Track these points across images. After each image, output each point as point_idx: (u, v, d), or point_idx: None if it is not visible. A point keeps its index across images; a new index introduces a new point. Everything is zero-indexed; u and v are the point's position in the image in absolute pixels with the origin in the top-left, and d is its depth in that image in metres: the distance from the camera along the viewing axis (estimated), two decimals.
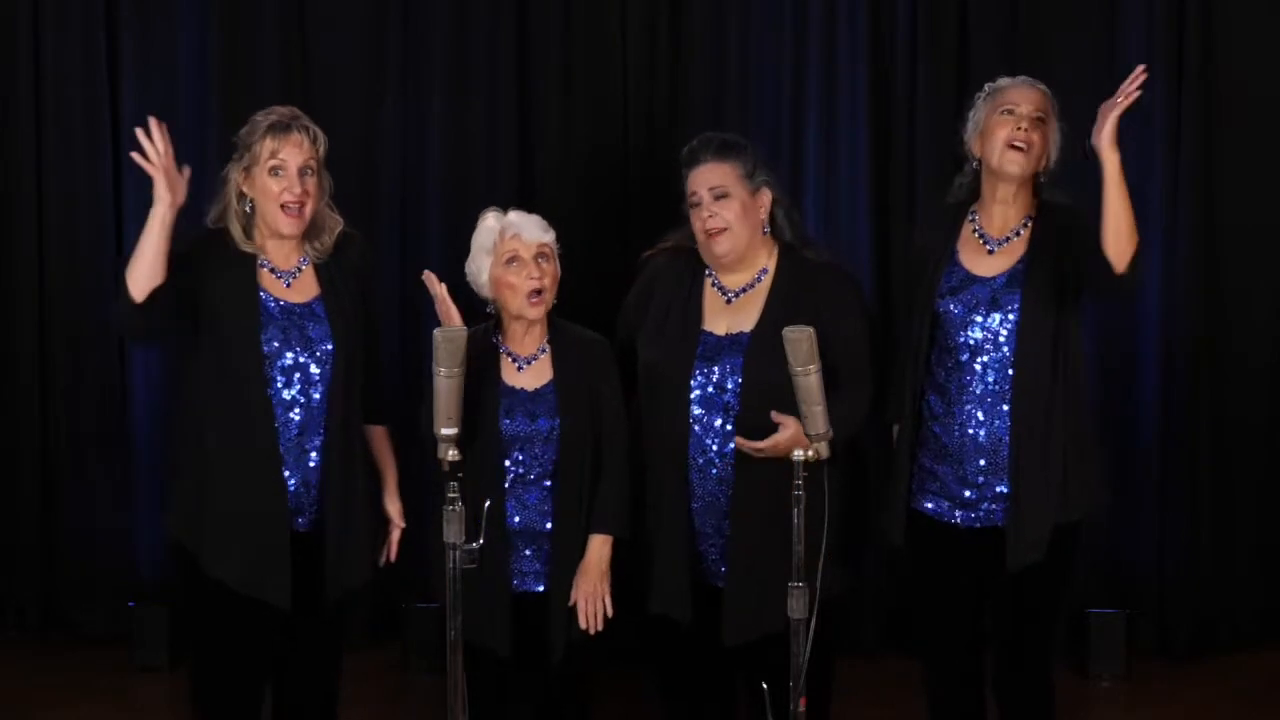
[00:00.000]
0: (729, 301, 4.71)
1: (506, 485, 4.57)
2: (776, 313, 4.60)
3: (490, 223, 4.66)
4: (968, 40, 6.29)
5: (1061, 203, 4.66)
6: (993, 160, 4.60)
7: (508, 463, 4.57)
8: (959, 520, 4.63)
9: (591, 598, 4.54)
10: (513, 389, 4.61)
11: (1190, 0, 6.22)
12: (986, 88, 4.70)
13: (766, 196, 4.69)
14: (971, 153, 4.66)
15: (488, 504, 4.51)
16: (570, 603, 4.54)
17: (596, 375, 4.63)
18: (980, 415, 4.57)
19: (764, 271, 4.70)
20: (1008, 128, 4.58)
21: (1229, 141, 6.31)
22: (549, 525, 4.58)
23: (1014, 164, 4.58)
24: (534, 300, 4.57)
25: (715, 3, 6.37)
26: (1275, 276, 6.38)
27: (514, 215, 4.66)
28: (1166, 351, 6.31)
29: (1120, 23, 6.27)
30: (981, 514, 4.61)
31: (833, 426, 4.26)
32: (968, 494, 4.61)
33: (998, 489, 4.58)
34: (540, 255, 4.60)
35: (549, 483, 4.59)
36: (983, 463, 4.59)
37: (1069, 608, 5.98)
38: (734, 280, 4.71)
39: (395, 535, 4.71)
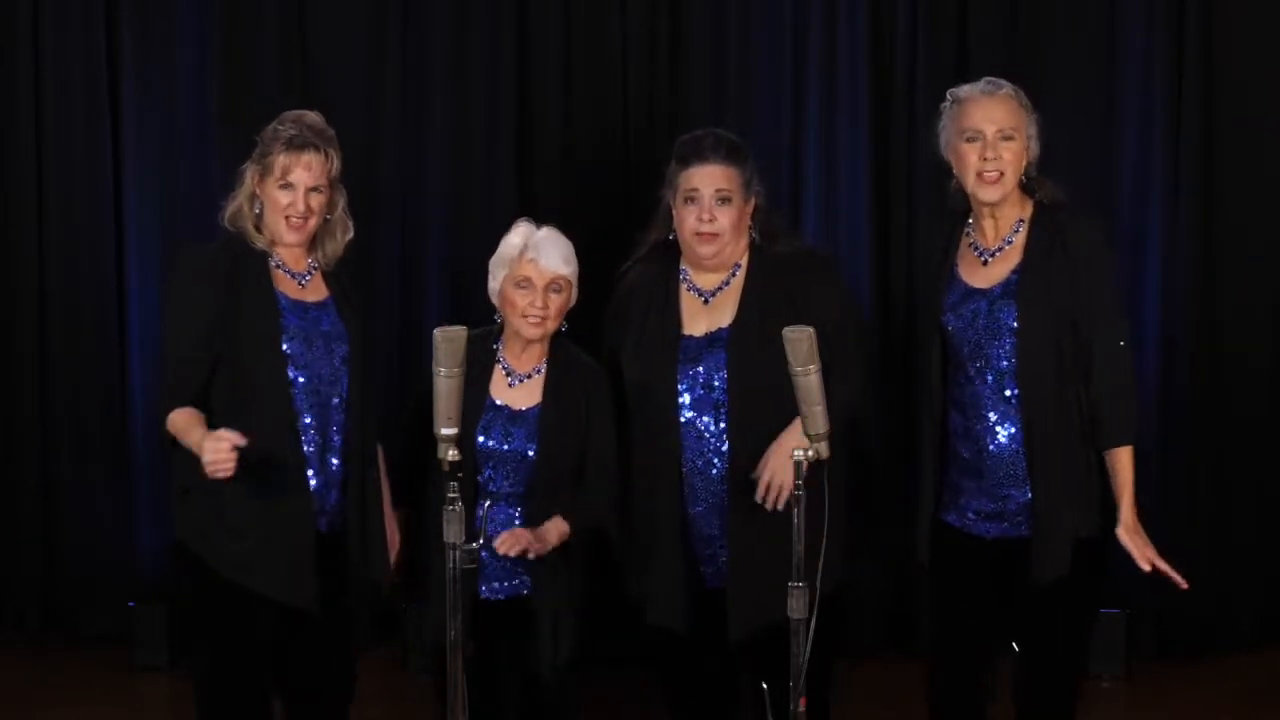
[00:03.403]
0: (705, 302, 4.71)
1: (480, 499, 4.54)
2: (753, 306, 4.62)
3: (516, 238, 4.60)
4: (968, 40, 6.29)
5: (1057, 200, 4.61)
6: (968, 188, 4.55)
7: (480, 477, 4.55)
8: (986, 533, 4.60)
9: (523, 538, 4.40)
10: (497, 404, 4.59)
11: (1190, 1, 6.22)
12: (949, 97, 4.60)
13: (753, 204, 4.69)
14: (951, 167, 4.61)
15: (487, 504, 4.51)
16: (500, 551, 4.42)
17: (590, 403, 4.59)
18: (997, 428, 4.52)
19: (737, 267, 4.70)
20: (975, 155, 4.50)
21: (1229, 141, 6.31)
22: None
23: (988, 194, 4.52)
24: (533, 323, 4.55)
25: (715, 2, 6.37)
26: (1275, 276, 6.38)
27: (543, 236, 4.59)
28: (1166, 352, 6.31)
29: (1120, 23, 6.27)
30: (1007, 526, 4.56)
31: (834, 413, 4.24)
32: (992, 506, 4.57)
33: (1021, 501, 4.54)
34: (552, 286, 4.55)
35: (521, 504, 4.56)
36: (1003, 475, 4.54)
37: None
38: (709, 281, 4.71)
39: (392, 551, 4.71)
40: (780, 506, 4.50)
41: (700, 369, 4.63)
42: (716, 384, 4.62)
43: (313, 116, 4.55)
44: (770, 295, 4.62)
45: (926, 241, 4.79)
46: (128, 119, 6.47)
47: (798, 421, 4.14)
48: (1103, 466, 4.53)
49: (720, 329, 4.65)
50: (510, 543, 4.38)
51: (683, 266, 4.74)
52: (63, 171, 6.50)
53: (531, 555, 4.43)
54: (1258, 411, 6.40)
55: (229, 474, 4.22)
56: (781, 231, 4.80)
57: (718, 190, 4.62)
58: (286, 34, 6.43)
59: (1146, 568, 4.53)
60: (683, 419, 4.63)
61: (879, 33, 6.32)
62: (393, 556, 4.70)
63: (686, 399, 4.64)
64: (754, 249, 4.70)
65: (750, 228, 4.69)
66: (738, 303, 4.66)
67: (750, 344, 4.56)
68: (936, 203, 4.93)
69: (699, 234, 4.63)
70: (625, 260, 4.92)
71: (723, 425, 4.61)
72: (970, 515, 4.60)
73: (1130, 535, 4.51)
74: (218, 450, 4.23)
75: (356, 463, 4.53)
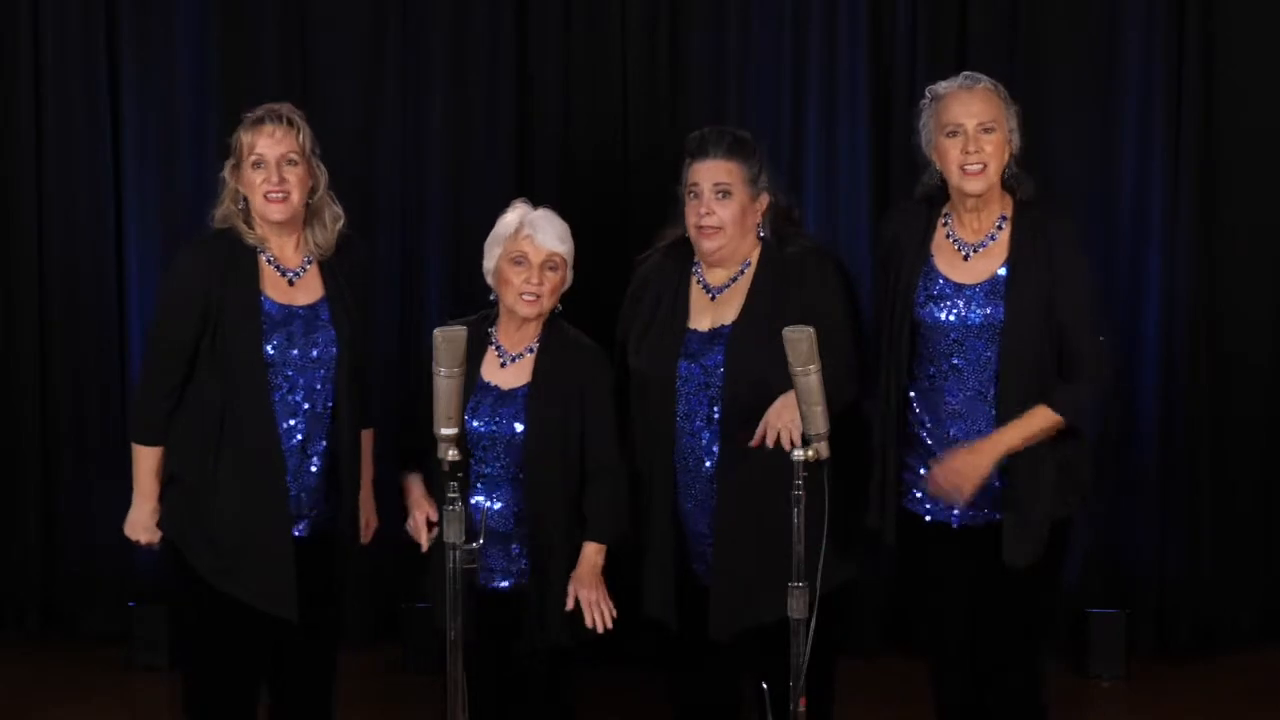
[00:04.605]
0: (713, 298, 4.70)
1: (473, 482, 4.54)
2: (757, 304, 4.61)
3: (512, 216, 4.63)
4: (968, 40, 6.28)
5: (1036, 199, 4.61)
6: (952, 182, 4.56)
7: (471, 460, 4.54)
8: (949, 519, 4.63)
9: (593, 604, 4.48)
10: (487, 385, 4.59)
11: (1190, 1, 6.22)
12: (928, 93, 4.62)
13: (765, 201, 4.68)
14: (932, 162, 4.61)
15: (487, 505, 4.50)
16: (569, 607, 4.50)
17: (585, 382, 4.59)
18: (966, 421, 4.56)
19: (746, 264, 4.70)
20: (957, 149, 4.51)
21: (1229, 141, 6.31)
22: (514, 527, 4.56)
23: (973, 186, 4.53)
24: (527, 300, 4.56)
25: (715, 2, 6.37)
26: (1275, 276, 6.38)
27: (538, 215, 4.61)
28: (1166, 351, 6.31)
29: (1120, 23, 6.26)
30: (974, 512, 4.61)
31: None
32: None
33: (986, 488, 4.57)
34: (548, 264, 4.56)
35: (516, 485, 4.56)
36: None
37: (1066, 607, 6.00)
38: (718, 276, 4.71)
39: (368, 536, 4.72)
40: (789, 443, 4.36)
41: (700, 365, 4.63)
42: (714, 381, 4.62)
43: (279, 105, 4.57)
44: (776, 295, 4.60)
45: (893, 224, 4.77)
46: (128, 119, 6.46)
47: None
48: (1074, 454, 4.56)
49: (723, 325, 4.65)
50: (594, 611, 4.47)
51: (696, 260, 4.73)
52: (63, 171, 6.49)
53: (595, 602, 4.48)
54: (1258, 411, 6.40)
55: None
56: (797, 233, 4.77)
57: (716, 184, 4.61)
58: (286, 34, 6.43)
59: (943, 488, 4.52)
60: (679, 413, 4.63)
61: (879, 33, 6.31)
62: (366, 539, 4.72)
63: (684, 393, 4.63)
64: (765, 247, 4.69)
65: (759, 225, 4.68)
66: (743, 301, 4.65)
67: (751, 343, 4.56)
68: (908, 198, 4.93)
69: (699, 228, 4.63)
70: (623, 260, 4.92)
71: (715, 421, 4.61)
72: (933, 502, 4.62)
73: (973, 455, 4.47)
74: (145, 544, 4.62)
75: (347, 466, 4.53)
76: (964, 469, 4.47)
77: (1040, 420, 4.48)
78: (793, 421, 4.31)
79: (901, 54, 6.31)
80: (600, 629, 4.48)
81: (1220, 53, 6.27)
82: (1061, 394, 4.49)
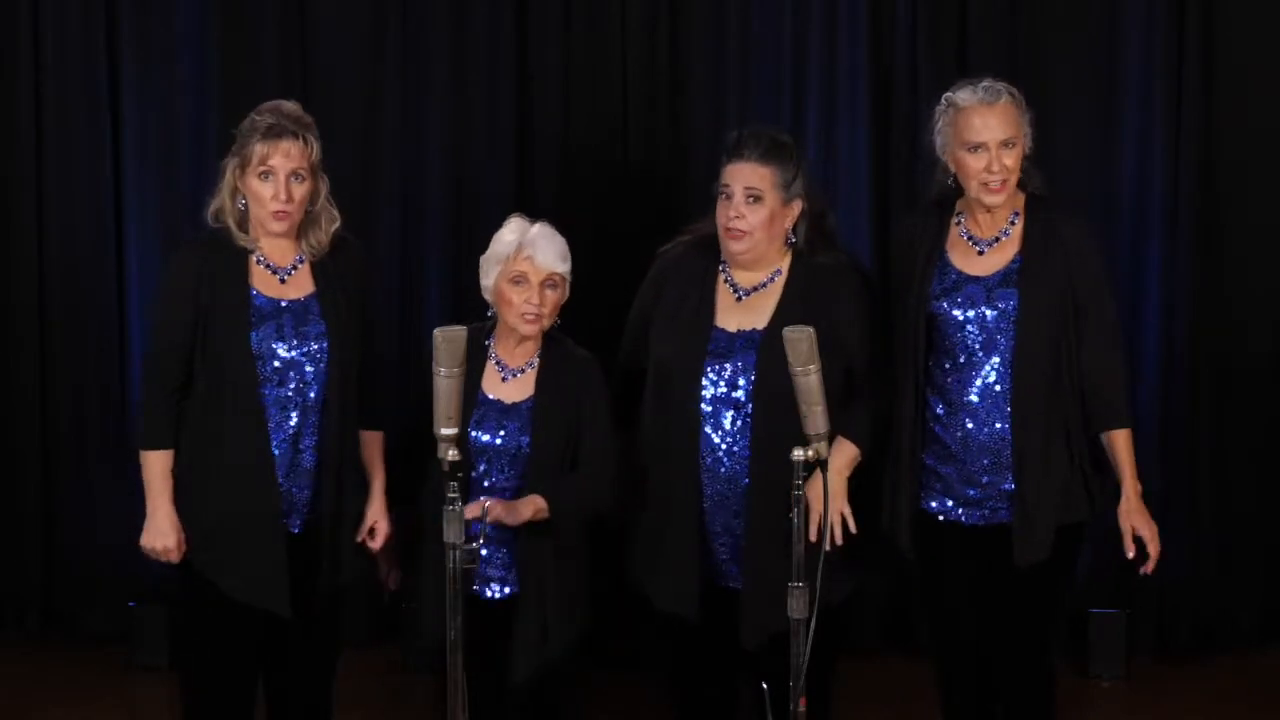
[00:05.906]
0: (739, 299, 4.69)
1: (475, 495, 4.52)
2: (791, 312, 4.56)
3: (510, 235, 4.59)
4: (967, 40, 6.29)
5: (1044, 191, 4.64)
6: (970, 193, 4.58)
7: (474, 473, 4.54)
8: (963, 518, 4.63)
9: (493, 509, 4.40)
10: (489, 399, 4.58)
11: (1190, 1, 6.22)
12: (944, 100, 4.62)
13: (797, 207, 4.65)
14: (946, 165, 4.62)
15: (487, 504, 4.50)
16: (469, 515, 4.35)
17: (582, 395, 4.58)
18: (981, 415, 4.57)
19: (777, 272, 4.68)
20: (980, 165, 4.53)
21: (1229, 141, 6.31)
22: (514, 539, 4.54)
23: (994, 200, 4.56)
24: (529, 319, 4.54)
25: (715, 2, 6.37)
26: (1275, 276, 6.37)
27: (537, 232, 4.57)
28: (1167, 351, 6.31)
29: (1120, 23, 6.27)
30: (987, 512, 4.61)
31: (862, 439, 4.53)
32: (972, 493, 4.61)
33: (1002, 487, 4.58)
34: (548, 283, 4.54)
35: (519, 496, 4.53)
36: (986, 462, 4.58)
37: (1069, 607, 6.00)
38: (747, 278, 4.69)
39: (379, 542, 4.69)
40: (835, 538, 4.51)
41: (727, 365, 4.62)
42: (741, 384, 4.60)
43: (290, 105, 4.56)
44: (807, 305, 4.57)
45: (908, 228, 4.78)
46: (128, 119, 6.46)
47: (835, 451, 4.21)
48: (1089, 455, 4.58)
49: (754, 330, 4.63)
50: (475, 510, 4.31)
51: (724, 258, 4.72)
52: (63, 171, 6.49)
53: (509, 521, 4.42)
54: (1258, 411, 6.40)
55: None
56: (831, 243, 4.74)
57: (748, 188, 4.59)
58: (286, 34, 6.43)
59: (1130, 554, 4.62)
60: (701, 412, 4.62)
61: (879, 33, 6.31)
62: (377, 545, 4.70)
63: (708, 391, 4.62)
64: (796, 256, 4.68)
65: (789, 231, 4.67)
66: (775, 308, 4.63)
67: (780, 354, 4.51)
68: (922, 200, 4.93)
69: (726, 229, 4.62)
70: (623, 260, 4.91)
71: (738, 425, 4.60)
72: (948, 502, 4.63)
73: (1126, 518, 4.58)
74: (163, 552, 4.49)
75: (333, 464, 4.53)
76: (1142, 525, 4.59)
77: (1125, 443, 4.58)
78: (832, 506, 4.36)
79: (901, 54, 6.31)
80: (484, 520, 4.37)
81: (1220, 53, 6.27)
82: (1108, 413, 4.57)
